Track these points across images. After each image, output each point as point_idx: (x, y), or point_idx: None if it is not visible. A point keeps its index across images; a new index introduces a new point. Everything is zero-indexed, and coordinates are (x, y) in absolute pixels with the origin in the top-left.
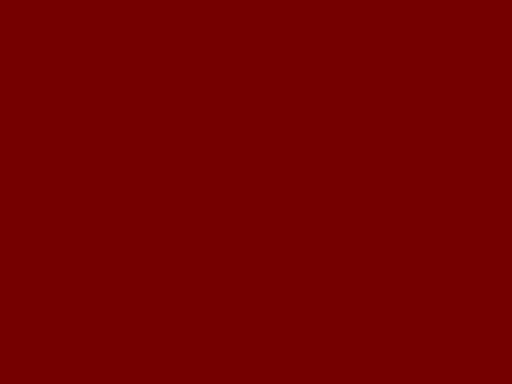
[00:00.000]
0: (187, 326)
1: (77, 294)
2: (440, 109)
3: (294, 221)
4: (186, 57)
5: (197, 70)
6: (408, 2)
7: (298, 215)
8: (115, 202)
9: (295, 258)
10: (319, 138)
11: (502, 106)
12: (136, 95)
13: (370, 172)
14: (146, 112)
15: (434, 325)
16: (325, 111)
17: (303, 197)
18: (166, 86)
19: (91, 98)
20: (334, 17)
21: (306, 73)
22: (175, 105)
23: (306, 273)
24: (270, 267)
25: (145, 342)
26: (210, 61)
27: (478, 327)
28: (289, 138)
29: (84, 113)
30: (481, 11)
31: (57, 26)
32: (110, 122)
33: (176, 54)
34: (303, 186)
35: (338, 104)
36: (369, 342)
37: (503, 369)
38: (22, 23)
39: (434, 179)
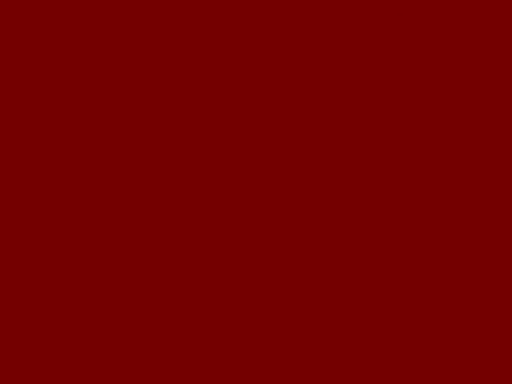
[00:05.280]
0: (187, 326)
1: (77, 294)
2: (440, 109)
3: (294, 221)
4: (186, 57)
5: (197, 70)
6: (408, 2)
7: (298, 215)
8: (115, 202)
9: (295, 258)
10: (319, 137)
11: (502, 106)
12: (136, 95)
13: (370, 172)
14: (145, 112)
15: (434, 325)
16: (325, 111)
17: (303, 197)
18: (166, 86)
19: (91, 98)
20: (334, 17)
21: (305, 73)
22: (175, 105)
23: (305, 273)
24: (270, 267)
25: (145, 342)
26: (210, 61)
27: (478, 327)
28: (289, 138)
29: (84, 113)
30: (481, 11)
31: (57, 26)
32: (110, 122)
33: (176, 54)
34: (303, 186)
35: (338, 104)
36: (369, 342)
37: (503, 369)
38: (22, 23)
39: (434, 179)
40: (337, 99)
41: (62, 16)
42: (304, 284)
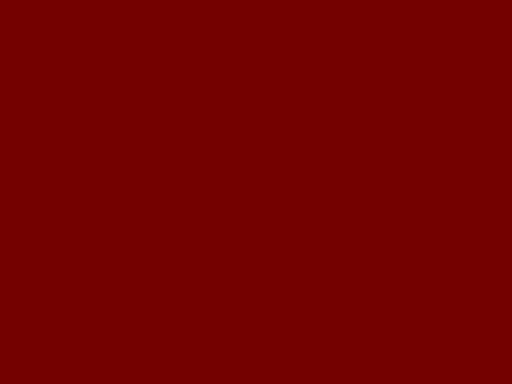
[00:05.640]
0: (187, 327)
1: (77, 294)
2: (440, 109)
3: (294, 221)
4: (186, 57)
5: (197, 70)
6: (408, 2)
7: (298, 215)
8: (115, 202)
9: (295, 258)
10: (319, 138)
11: (502, 106)
12: (136, 95)
13: (370, 172)
14: (146, 112)
15: (434, 325)
16: (325, 111)
17: (303, 197)
18: (165, 86)
19: (91, 98)
20: (333, 17)
21: (306, 73)
22: (175, 105)
23: (306, 273)
24: (270, 267)
25: (145, 342)
26: (210, 61)
27: (478, 327)
28: (289, 138)
29: (84, 113)
30: (481, 11)
31: (57, 26)
32: (110, 123)
33: (176, 54)
34: (303, 186)
35: (338, 104)
36: (369, 342)
37: (503, 369)
38: (22, 23)
39: (434, 179)
40: (337, 99)
41: (62, 16)
42: (304, 284)
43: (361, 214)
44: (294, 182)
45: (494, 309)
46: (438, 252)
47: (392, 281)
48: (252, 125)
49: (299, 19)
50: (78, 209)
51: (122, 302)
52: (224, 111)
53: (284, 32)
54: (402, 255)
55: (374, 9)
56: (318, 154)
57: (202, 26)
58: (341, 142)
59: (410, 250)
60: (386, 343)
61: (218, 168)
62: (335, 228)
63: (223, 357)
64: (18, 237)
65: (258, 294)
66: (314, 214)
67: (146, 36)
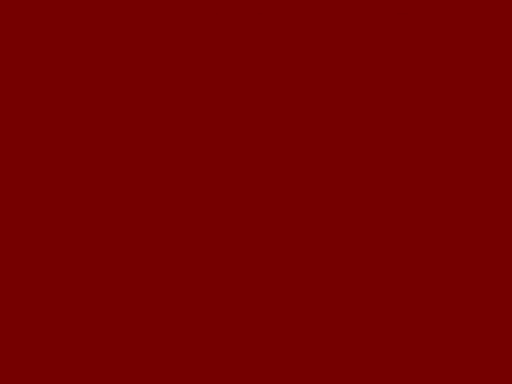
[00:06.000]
0: (187, 326)
1: (77, 294)
2: (440, 109)
3: (294, 221)
4: (186, 57)
5: (197, 70)
6: (408, 2)
7: (298, 215)
8: (115, 202)
9: (295, 258)
10: (319, 138)
11: (502, 106)
12: (136, 95)
13: (370, 172)
14: (146, 112)
15: (434, 325)
16: (325, 111)
17: (303, 197)
18: (166, 86)
19: (91, 98)
20: (333, 17)
21: (306, 73)
22: (175, 105)
23: (306, 273)
24: (270, 267)
25: (145, 342)
26: (210, 61)
27: (478, 327)
28: (289, 138)
29: (84, 113)
30: (481, 11)
31: (57, 26)
32: (110, 122)
33: (176, 54)
34: (303, 186)
35: (338, 104)
36: (369, 342)
37: (503, 369)
38: (22, 23)
39: (434, 179)
40: (337, 99)
41: (62, 16)
42: (304, 284)
43: (361, 214)
44: (294, 182)
45: (494, 309)
46: (438, 252)
47: (392, 281)
48: (252, 125)
49: (299, 19)
50: (78, 209)
51: (122, 302)
52: (224, 111)
53: (284, 32)
54: (402, 255)
55: (373, 9)
56: (318, 154)
57: (202, 26)
58: (341, 142)
59: (410, 250)
60: (385, 343)
61: (218, 168)
62: (335, 228)
63: (223, 357)
64: (18, 237)
65: (257, 293)
66: (314, 214)
67: (146, 36)
